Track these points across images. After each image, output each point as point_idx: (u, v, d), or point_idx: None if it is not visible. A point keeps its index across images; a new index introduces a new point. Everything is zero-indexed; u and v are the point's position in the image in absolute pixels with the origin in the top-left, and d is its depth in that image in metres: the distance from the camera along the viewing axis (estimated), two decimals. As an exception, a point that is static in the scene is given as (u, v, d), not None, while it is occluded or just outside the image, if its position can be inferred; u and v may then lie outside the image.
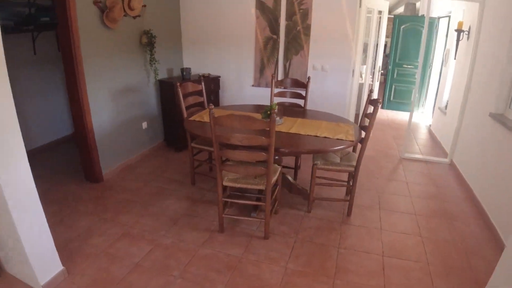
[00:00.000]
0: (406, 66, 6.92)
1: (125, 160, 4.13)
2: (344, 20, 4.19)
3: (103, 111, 3.71)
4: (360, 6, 4.19)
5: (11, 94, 1.86)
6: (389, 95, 7.31)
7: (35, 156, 4.15)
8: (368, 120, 2.89)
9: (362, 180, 3.90)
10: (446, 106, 5.19)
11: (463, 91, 4.15)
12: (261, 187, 2.66)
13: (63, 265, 2.29)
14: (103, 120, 3.73)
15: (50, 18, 4.27)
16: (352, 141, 2.78)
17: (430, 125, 6.10)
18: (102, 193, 3.49)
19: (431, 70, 6.67)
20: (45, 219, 2.12)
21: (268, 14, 4.44)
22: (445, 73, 5.46)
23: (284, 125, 3.11)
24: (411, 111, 4.53)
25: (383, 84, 7.77)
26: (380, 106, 2.88)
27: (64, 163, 4.24)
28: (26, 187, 1.99)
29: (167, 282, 2.28)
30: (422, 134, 5.88)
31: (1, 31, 1.80)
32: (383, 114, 7.06)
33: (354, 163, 3.04)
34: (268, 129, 2.33)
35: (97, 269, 2.38)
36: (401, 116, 6.90)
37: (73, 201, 3.32)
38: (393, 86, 7.21)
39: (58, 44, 4.44)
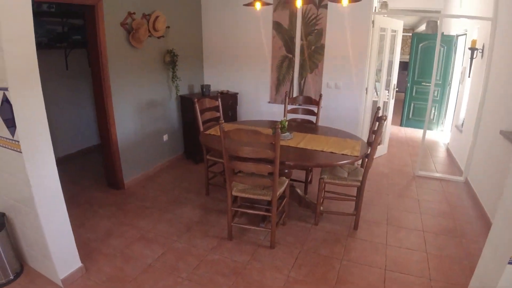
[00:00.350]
0: (424, 84, 6.93)
1: (146, 170, 4.40)
2: (357, 39, 4.35)
3: (127, 123, 4.01)
4: (373, 26, 4.33)
5: (44, 105, 2.12)
6: (408, 113, 7.32)
7: (63, 163, 4.52)
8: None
9: (373, 196, 3.97)
10: (462, 124, 5.18)
11: (477, 109, 4.18)
12: (268, 198, 2.81)
13: (82, 262, 2.53)
14: (127, 132, 4.02)
15: (81, 37, 4.69)
16: (357, 156, 2.89)
17: (448, 143, 6.07)
18: (123, 200, 3.75)
19: (450, 87, 6.65)
20: (68, 219, 2.37)
21: (284, 34, 4.67)
22: (462, 91, 5.47)
23: (293, 140, 3.27)
24: (425, 128, 4.57)
25: (401, 102, 7.79)
26: (384, 123, 2.99)
27: (90, 170, 4.57)
28: (53, 188, 2.24)
29: (175, 283, 2.46)
30: (440, 152, 5.86)
31: (36, 47, 2.05)
32: (401, 131, 7.06)
33: (361, 178, 3.13)
34: (274, 143, 2.50)
35: (112, 267, 2.60)
36: (419, 134, 6.83)
37: (96, 206, 3.60)
38: (412, 104, 7.22)
39: (88, 60, 4.84)
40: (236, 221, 3.24)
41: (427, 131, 4.33)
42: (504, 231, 1.56)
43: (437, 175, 4.68)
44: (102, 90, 3.65)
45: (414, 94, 7.15)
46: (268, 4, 3.41)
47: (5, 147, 2.12)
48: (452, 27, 6.66)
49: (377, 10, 5.29)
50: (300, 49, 4.65)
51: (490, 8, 3.90)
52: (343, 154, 2.92)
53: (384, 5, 5.67)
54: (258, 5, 3.23)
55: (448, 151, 5.81)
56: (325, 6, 4.37)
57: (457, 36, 6.40)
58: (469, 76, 4.96)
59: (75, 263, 2.48)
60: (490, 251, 1.72)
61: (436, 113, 7.01)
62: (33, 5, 1.99)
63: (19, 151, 2.04)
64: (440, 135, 6.80)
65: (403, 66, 10.26)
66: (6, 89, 1.94)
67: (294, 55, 4.70)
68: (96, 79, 3.66)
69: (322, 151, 3.00)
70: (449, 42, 6.53)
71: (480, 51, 4.44)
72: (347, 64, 4.47)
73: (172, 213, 3.49)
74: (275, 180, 2.66)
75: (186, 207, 3.61)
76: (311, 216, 3.44)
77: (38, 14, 4.14)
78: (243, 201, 3.38)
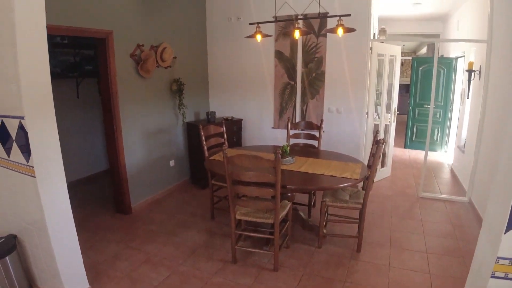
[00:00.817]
0: (426, 106, 7.04)
1: (153, 195, 4.51)
2: (356, 65, 4.52)
3: (135, 149, 4.16)
4: (371, 53, 4.51)
5: (57, 132, 2.27)
6: (411, 135, 7.40)
7: (72, 188, 4.64)
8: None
9: (376, 218, 4.02)
10: (464, 145, 5.24)
11: (477, 129, 4.25)
12: (271, 221, 2.88)
13: (90, 284, 2.62)
14: (135, 157, 4.17)
15: (92, 67, 4.94)
16: (357, 179, 2.98)
17: (451, 164, 6.10)
18: (131, 224, 3.86)
19: (452, 109, 6.74)
20: (77, 242, 2.48)
21: (285, 62, 4.87)
22: (462, 112, 5.56)
23: (295, 164, 3.37)
24: (426, 150, 4.65)
25: (404, 124, 7.88)
26: (382, 146, 3.08)
27: (98, 195, 4.72)
28: (64, 212, 2.36)
29: (180, 305, 2.52)
30: (444, 173, 5.89)
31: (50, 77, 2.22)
32: (405, 153, 7.12)
33: (362, 201, 3.20)
34: (274, 167, 2.61)
35: (120, 290, 2.68)
36: (423, 155, 6.85)
37: (104, 230, 3.71)
38: (415, 126, 7.31)
39: (98, 89, 5.08)
40: (240, 244, 3.30)
41: (432, 152, 4.39)
42: (487, 249, 1.63)
43: (441, 196, 4.71)
44: (112, 117, 3.82)
45: (416, 116, 7.25)
46: (268, 35, 3.61)
47: (20, 172, 2.26)
48: (451, 50, 6.83)
49: (375, 36, 5.51)
50: (302, 76, 4.83)
51: (485, 31, 4.04)
52: (343, 177, 3.01)
53: (382, 31, 5.89)
54: (259, 37, 3.42)
55: (452, 171, 5.84)
56: (324, 35, 4.57)
57: (456, 58, 6.55)
58: (468, 98, 5.07)
59: (83, 285, 2.57)
60: (474, 267, 1.79)
61: (439, 134, 7.08)
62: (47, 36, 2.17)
63: (33, 176, 2.17)
64: (444, 156, 6.84)
65: (406, 88, 10.42)
66: (22, 117, 2.10)
67: (296, 82, 4.88)
68: (106, 107, 3.85)
69: (323, 174, 3.10)
70: (449, 64, 6.68)
71: (478, 72, 4.56)
72: (347, 89, 4.62)
73: (178, 236, 3.57)
74: (277, 203, 2.75)
75: (191, 231, 3.69)
76: (314, 239, 3.49)
77: (52, 45, 4.40)
78: (247, 225, 3.46)
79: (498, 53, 3.83)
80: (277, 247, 2.92)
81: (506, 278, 1.50)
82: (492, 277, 1.52)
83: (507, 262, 1.48)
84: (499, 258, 1.48)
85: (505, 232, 1.44)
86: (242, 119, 5.33)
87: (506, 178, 1.50)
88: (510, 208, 1.40)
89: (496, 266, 1.49)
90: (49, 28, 2.22)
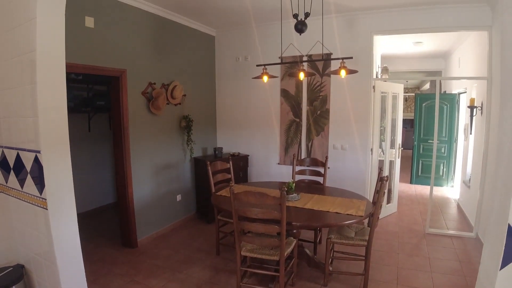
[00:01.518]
0: (430, 141, 7.10)
1: (159, 229, 4.55)
2: (359, 103, 4.66)
3: (143, 183, 4.25)
4: (374, 91, 4.65)
5: (71, 167, 2.35)
6: (417, 170, 7.42)
7: (81, 220, 4.67)
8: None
9: (383, 255, 3.99)
10: (469, 180, 5.24)
11: (481, 164, 4.29)
12: (276, 258, 2.90)
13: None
14: (143, 191, 4.26)
15: (104, 102, 5.13)
16: (362, 216, 3.00)
17: (458, 199, 6.07)
18: (136, 258, 3.87)
19: (456, 144, 6.80)
20: (84, 275, 2.50)
21: (291, 101, 5.04)
22: (467, 147, 5.61)
23: (300, 201, 3.41)
24: (431, 185, 4.67)
25: (409, 159, 7.92)
26: (386, 183, 3.13)
27: (105, 228, 4.77)
28: (73, 245, 2.40)
29: None
30: (451, 209, 5.85)
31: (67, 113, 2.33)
32: (411, 189, 7.11)
33: (367, 238, 3.21)
34: (280, 204, 2.67)
35: (125, 328, 2.67)
36: (428, 190, 6.88)
37: (110, 263, 3.73)
38: (420, 161, 7.35)
39: (109, 123, 5.24)
40: (245, 281, 3.30)
41: (438, 188, 4.37)
42: (485, 286, 1.65)
43: (448, 232, 4.67)
44: (122, 152, 3.95)
45: (421, 151, 7.31)
46: (274, 76, 3.77)
47: (32, 204, 2.34)
48: (454, 86, 6.98)
49: (378, 75, 5.69)
50: (307, 114, 4.98)
51: (486, 68, 4.18)
52: (348, 214, 3.04)
53: (384, 69, 6.08)
54: (265, 79, 3.59)
55: (458, 207, 5.81)
56: (328, 75, 4.76)
57: (459, 94, 6.69)
58: (471, 133, 5.14)
59: (88, 319, 2.56)
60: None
61: (445, 169, 7.09)
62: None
63: (45, 208, 2.24)
64: (451, 191, 6.81)
65: (410, 123, 10.54)
66: (38, 151, 2.20)
67: (301, 120, 5.02)
68: (117, 141, 3.98)
69: (328, 211, 3.13)
70: (451, 100, 6.81)
71: (479, 108, 4.65)
72: (351, 126, 4.73)
73: (183, 272, 3.57)
74: (282, 240, 2.78)
75: (197, 267, 3.69)
76: (320, 277, 3.46)
77: (66, 81, 4.59)
78: (252, 261, 3.46)
79: (498, 90, 3.93)
80: (282, 285, 2.91)
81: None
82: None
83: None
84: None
85: (501, 269, 1.47)
86: (248, 155, 5.43)
87: (500, 216, 1.55)
88: (504, 245, 1.45)
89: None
90: (67, 66, 2.35)
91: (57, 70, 2.25)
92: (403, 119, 5.74)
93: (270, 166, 5.36)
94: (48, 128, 2.21)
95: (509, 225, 1.44)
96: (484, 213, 4.25)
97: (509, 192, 1.45)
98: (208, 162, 3.92)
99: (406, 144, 10.30)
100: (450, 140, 6.91)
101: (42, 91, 2.16)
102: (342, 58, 3.29)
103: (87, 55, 3.48)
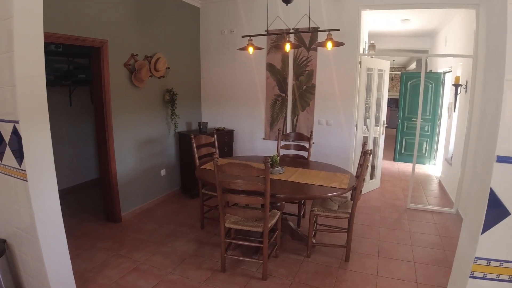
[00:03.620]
0: (414, 119, 7.18)
1: (143, 204, 4.51)
2: (345, 79, 4.63)
3: (126, 158, 4.18)
4: (360, 67, 4.62)
5: (50, 137, 2.29)
6: (400, 148, 7.52)
7: (62, 196, 4.61)
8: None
9: (365, 229, 4.06)
10: (451, 157, 5.35)
11: (463, 142, 4.36)
12: (260, 229, 2.91)
13: (78, 291, 2.60)
14: (126, 166, 4.19)
15: (85, 75, 4.97)
16: (345, 189, 3.03)
17: (439, 177, 6.21)
18: (120, 232, 3.85)
19: (440, 122, 6.89)
20: (67, 248, 2.47)
21: (277, 75, 4.97)
22: (450, 125, 5.70)
23: (284, 174, 3.42)
24: (414, 162, 4.74)
25: (393, 137, 8.02)
26: (369, 156, 3.15)
27: (88, 204, 4.70)
28: (55, 217, 2.36)
29: (168, 313, 2.51)
30: (432, 186, 5.98)
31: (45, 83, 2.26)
32: (395, 166, 7.22)
33: (350, 210, 3.25)
34: (263, 176, 2.66)
35: (107, 298, 2.67)
36: (411, 168, 7.02)
37: (93, 238, 3.70)
38: (403, 139, 7.44)
39: (91, 97, 5.10)
40: (229, 253, 3.32)
41: (420, 165, 4.45)
42: (465, 250, 1.69)
43: (429, 207, 4.78)
44: (104, 126, 3.85)
45: (405, 129, 7.39)
46: (260, 48, 3.70)
47: (12, 176, 2.27)
48: (439, 65, 7.02)
49: (365, 51, 5.65)
50: (293, 89, 4.93)
51: (471, 46, 4.19)
52: (331, 187, 3.06)
53: (371, 46, 6.04)
54: (251, 50, 3.51)
55: (440, 184, 5.94)
56: (315, 49, 4.69)
57: (444, 73, 6.73)
58: (455, 111, 5.21)
59: (72, 291, 2.55)
60: (455, 268, 1.84)
61: (427, 148, 7.21)
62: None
63: (25, 180, 2.19)
64: (433, 168, 6.95)
65: (396, 103, 10.62)
66: (17, 121, 2.13)
67: (287, 94, 4.98)
68: (98, 115, 3.88)
69: (311, 184, 3.15)
70: (437, 79, 6.85)
71: (464, 87, 4.69)
72: (337, 102, 4.72)
73: (167, 246, 3.56)
74: (266, 212, 2.78)
75: (181, 240, 3.69)
76: (303, 249, 3.51)
77: (46, 53, 4.40)
78: (236, 234, 3.47)
79: (483, 68, 3.95)
80: (265, 256, 2.94)
81: (484, 278, 1.55)
82: (471, 277, 1.57)
83: (484, 262, 1.53)
84: (477, 258, 1.53)
85: (482, 233, 1.50)
86: (233, 130, 5.39)
87: (482, 181, 1.56)
88: (485, 210, 1.47)
89: (475, 266, 1.55)
90: (46, 36, 2.27)
91: (35, 38, 2.16)
92: (388, 99, 5.75)
93: (255, 141, 5.34)
94: (26, 97, 2.14)
95: (491, 189, 1.45)
96: (465, 190, 4.35)
97: (491, 157, 1.46)
98: (192, 136, 3.87)
99: (391, 123, 10.44)
100: (434, 118, 7.00)
101: (19, 60, 2.07)
102: (329, 30, 3.24)
103: (66, 24, 3.31)
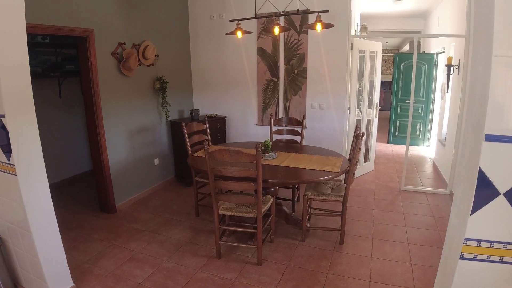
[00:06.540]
0: (408, 101, 7.15)
1: (137, 193, 4.50)
2: (337, 62, 4.58)
3: (118, 148, 4.14)
4: (352, 49, 4.57)
5: (38, 130, 2.26)
6: (394, 130, 7.52)
7: (56, 189, 4.61)
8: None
9: (359, 211, 4.08)
10: (445, 138, 5.36)
11: (457, 123, 4.35)
12: (253, 215, 2.91)
13: (74, 282, 2.61)
14: (118, 157, 4.15)
15: (74, 66, 4.89)
16: (337, 172, 3.02)
17: (433, 158, 6.23)
18: (115, 223, 3.85)
19: (433, 104, 6.88)
20: (60, 240, 2.47)
21: (268, 59, 4.91)
22: (443, 106, 5.69)
23: (277, 159, 3.40)
24: (407, 144, 4.74)
25: (387, 120, 8.01)
26: (362, 139, 3.14)
27: (82, 196, 4.68)
28: (46, 210, 2.35)
29: (163, 301, 2.53)
30: (426, 167, 6.01)
31: (31, 76, 2.22)
32: (389, 148, 7.24)
33: (343, 193, 3.26)
34: (255, 162, 2.64)
35: (103, 287, 2.67)
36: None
37: (88, 229, 3.69)
38: (397, 122, 7.44)
39: (81, 89, 5.02)
40: (224, 239, 3.33)
41: (414, 147, 4.45)
42: (455, 231, 1.69)
43: (423, 189, 4.81)
44: (94, 117, 3.80)
45: (399, 111, 7.38)
46: (249, 32, 3.63)
47: (2, 171, 2.25)
48: (432, 46, 6.96)
49: (357, 33, 5.59)
50: (284, 73, 4.88)
51: (464, 26, 4.14)
52: (324, 170, 3.06)
53: (363, 28, 5.97)
54: (239, 34, 3.44)
55: (434, 165, 5.97)
56: (306, 32, 4.62)
57: (437, 54, 6.68)
58: (448, 92, 5.19)
59: (68, 283, 2.56)
60: (445, 250, 1.84)
61: (421, 129, 7.21)
62: (27, 36, 2.16)
63: (14, 174, 2.17)
64: (427, 150, 6.98)
65: (389, 85, 10.58)
66: (2, 115, 2.09)
67: (278, 79, 4.93)
68: (88, 106, 3.82)
69: (304, 168, 3.14)
70: (430, 60, 6.81)
71: (457, 67, 4.67)
72: (329, 85, 4.68)
73: (162, 234, 3.57)
74: (259, 197, 2.78)
75: (176, 229, 3.70)
76: (298, 233, 3.53)
77: (33, 45, 4.33)
78: (231, 220, 3.48)
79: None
80: (260, 241, 2.95)
81: (475, 259, 1.55)
82: (461, 258, 1.57)
83: (474, 243, 1.53)
84: (466, 239, 1.53)
85: (471, 214, 1.49)
86: (226, 117, 5.35)
87: (470, 161, 1.55)
88: (474, 190, 1.46)
89: (464, 247, 1.55)
90: (29, 27, 2.20)
91: (17, 29, 2.10)
92: (381, 81, 5.71)
93: (248, 127, 5.31)
94: (10, 90, 2.10)
95: (479, 169, 1.44)
96: (458, 171, 4.36)
97: (479, 136, 1.44)
98: (184, 124, 3.83)
99: (384, 106, 10.43)
100: (427, 100, 6.98)
101: (1, 52, 2.02)
102: (318, 12, 3.18)
103: (50, 14, 3.22)
